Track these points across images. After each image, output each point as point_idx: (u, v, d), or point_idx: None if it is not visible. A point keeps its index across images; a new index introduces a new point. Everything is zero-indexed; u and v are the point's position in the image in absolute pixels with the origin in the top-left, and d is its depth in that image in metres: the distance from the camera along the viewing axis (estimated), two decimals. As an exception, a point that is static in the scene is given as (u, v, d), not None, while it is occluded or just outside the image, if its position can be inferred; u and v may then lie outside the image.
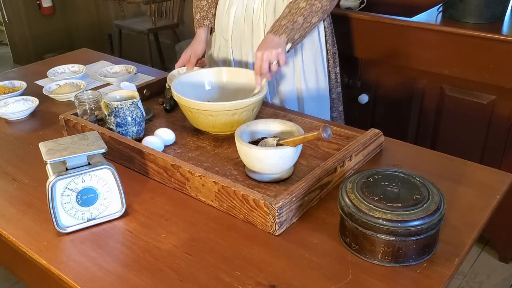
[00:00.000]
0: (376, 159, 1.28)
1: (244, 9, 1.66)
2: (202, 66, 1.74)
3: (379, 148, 1.31)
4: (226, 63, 1.77)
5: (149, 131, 1.40)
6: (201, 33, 1.76)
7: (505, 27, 1.91)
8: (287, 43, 1.47)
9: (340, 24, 2.17)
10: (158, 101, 1.62)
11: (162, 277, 0.93)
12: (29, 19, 4.64)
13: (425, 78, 2.04)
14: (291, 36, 1.47)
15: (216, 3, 1.75)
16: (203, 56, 1.77)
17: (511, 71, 1.81)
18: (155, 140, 1.31)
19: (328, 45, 1.74)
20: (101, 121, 1.44)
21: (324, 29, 1.71)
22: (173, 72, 1.70)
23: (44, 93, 1.72)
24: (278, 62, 1.44)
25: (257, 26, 1.65)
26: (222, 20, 1.73)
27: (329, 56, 1.76)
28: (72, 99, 1.66)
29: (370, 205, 0.92)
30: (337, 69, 1.81)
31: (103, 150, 1.04)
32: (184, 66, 1.71)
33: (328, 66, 1.77)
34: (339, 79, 1.84)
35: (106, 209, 1.08)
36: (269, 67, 1.43)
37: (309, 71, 1.71)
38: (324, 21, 1.70)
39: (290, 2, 1.52)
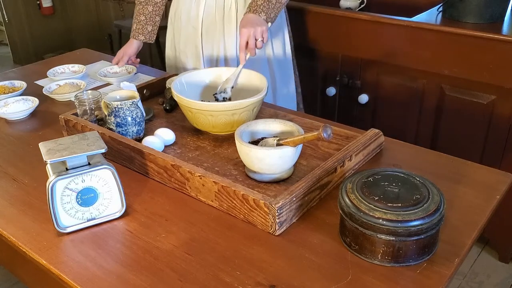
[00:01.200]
0: (376, 159, 1.28)
1: None
2: (135, 64, 1.96)
3: (379, 148, 1.31)
4: (195, 52, 1.86)
5: (149, 131, 1.40)
6: (134, 42, 1.92)
7: (505, 27, 1.91)
8: (266, 21, 1.56)
9: (340, 24, 2.17)
10: (158, 101, 1.62)
11: (162, 277, 0.93)
12: (29, 19, 4.63)
13: (425, 78, 2.04)
14: (269, 14, 1.57)
15: (153, 20, 1.90)
16: (137, 57, 1.97)
17: (511, 71, 1.81)
18: (155, 140, 1.31)
19: (289, 33, 1.91)
20: (101, 121, 1.44)
21: (286, 19, 1.88)
22: (105, 68, 1.92)
23: (44, 93, 1.72)
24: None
25: (229, 12, 1.74)
26: (190, 9, 1.81)
27: (292, 47, 1.93)
28: (72, 99, 1.66)
29: (370, 205, 0.92)
30: (295, 61, 1.98)
31: (103, 150, 1.04)
32: (117, 64, 1.92)
33: (292, 56, 1.94)
34: (297, 72, 2.02)
35: (106, 209, 1.08)
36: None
37: (276, 46, 1.86)
38: (284, 12, 1.85)
39: None
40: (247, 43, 1.51)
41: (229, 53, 1.81)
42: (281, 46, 1.89)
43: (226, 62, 1.82)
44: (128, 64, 1.94)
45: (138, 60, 1.97)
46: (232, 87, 1.49)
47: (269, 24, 1.57)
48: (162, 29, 4.29)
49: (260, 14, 1.55)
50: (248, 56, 1.52)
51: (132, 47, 1.92)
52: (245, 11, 1.60)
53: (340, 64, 2.27)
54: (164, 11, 1.94)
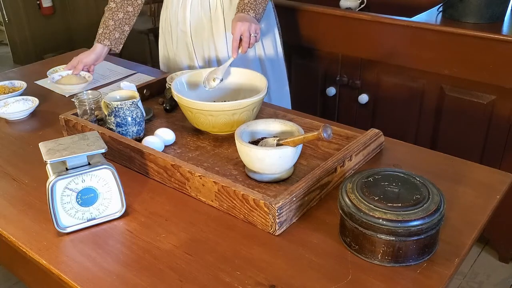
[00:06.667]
0: (376, 159, 1.28)
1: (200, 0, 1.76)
2: (89, 71, 1.80)
3: (379, 148, 1.31)
4: (187, 53, 1.85)
5: (149, 131, 1.40)
6: (98, 47, 1.77)
7: (505, 27, 1.91)
8: (256, 18, 1.58)
9: (340, 24, 2.17)
10: (158, 101, 1.62)
11: (162, 277, 0.93)
12: (29, 19, 4.63)
13: (425, 78, 2.04)
14: (257, 11, 1.59)
15: (122, 28, 1.78)
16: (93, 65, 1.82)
17: (511, 71, 1.81)
18: (155, 140, 1.31)
19: (279, 32, 1.90)
20: (101, 121, 1.44)
21: (276, 18, 1.88)
22: (54, 75, 1.79)
23: (48, 82, 1.72)
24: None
25: (215, 13, 1.75)
26: (178, 14, 1.81)
27: (282, 47, 1.93)
28: (77, 92, 1.66)
29: (370, 205, 0.92)
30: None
31: (103, 150, 1.04)
32: (70, 70, 1.79)
33: (284, 57, 1.93)
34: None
35: (106, 209, 1.08)
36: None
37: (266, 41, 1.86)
38: (273, 11, 1.87)
39: None
40: (240, 39, 1.49)
41: (221, 53, 1.82)
42: (272, 46, 1.88)
43: (218, 62, 1.83)
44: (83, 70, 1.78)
45: (93, 67, 1.80)
46: (221, 80, 1.47)
47: (261, 25, 1.57)
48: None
49: (249, 12, 1.56)
50: (239, 51, 1.50)
51: (90, 54, 1.75)
52: (235, 11, 1.60)
53: (340, 64, 2.27)
54: (134, 23, 1.84)
